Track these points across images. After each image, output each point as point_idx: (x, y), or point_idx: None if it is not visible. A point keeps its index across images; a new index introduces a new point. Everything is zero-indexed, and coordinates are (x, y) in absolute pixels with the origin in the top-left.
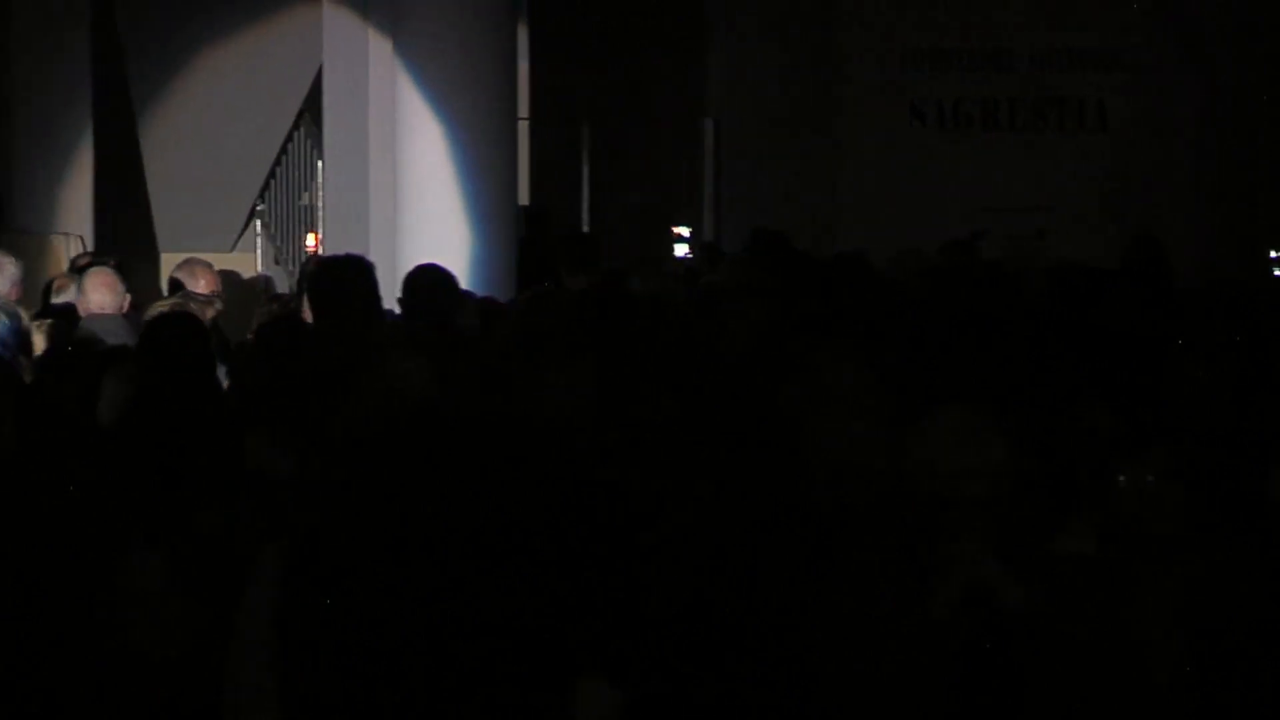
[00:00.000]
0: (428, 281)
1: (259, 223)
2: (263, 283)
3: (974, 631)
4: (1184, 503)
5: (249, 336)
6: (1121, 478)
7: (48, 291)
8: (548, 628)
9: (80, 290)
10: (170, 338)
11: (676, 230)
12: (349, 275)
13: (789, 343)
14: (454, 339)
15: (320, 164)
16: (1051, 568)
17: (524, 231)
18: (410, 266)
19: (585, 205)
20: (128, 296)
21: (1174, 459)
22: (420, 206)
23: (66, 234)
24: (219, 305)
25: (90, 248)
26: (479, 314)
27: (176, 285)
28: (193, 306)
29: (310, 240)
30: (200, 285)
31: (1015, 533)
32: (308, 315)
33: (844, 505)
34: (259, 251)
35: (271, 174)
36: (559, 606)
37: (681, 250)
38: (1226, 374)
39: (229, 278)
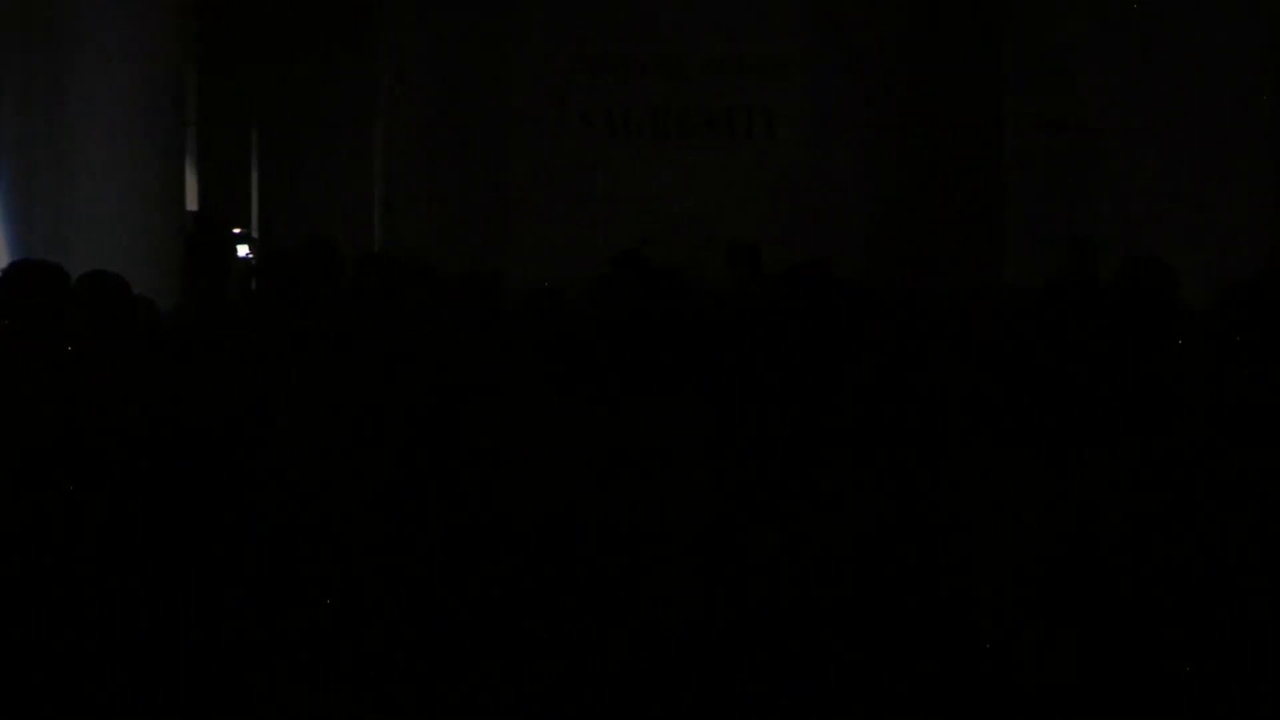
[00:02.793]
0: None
1: None
2: None
3: (661, 636)
4: (872, 501)
5: None
6: (809, 479)
7: None
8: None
9: None
10: None
11: (238, 230)
12: (34, 282)
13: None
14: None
15: None
16: (743, 570)
17: (190, 235)
18: (73, 270)
19: (255, 208)
20: None
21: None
22: (84, 210)
23: None
24: None
25: None
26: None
27: None
28: None
29: None
30: None
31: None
32: None
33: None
34: None
35: None
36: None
37: (243, 250)
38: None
39: None
